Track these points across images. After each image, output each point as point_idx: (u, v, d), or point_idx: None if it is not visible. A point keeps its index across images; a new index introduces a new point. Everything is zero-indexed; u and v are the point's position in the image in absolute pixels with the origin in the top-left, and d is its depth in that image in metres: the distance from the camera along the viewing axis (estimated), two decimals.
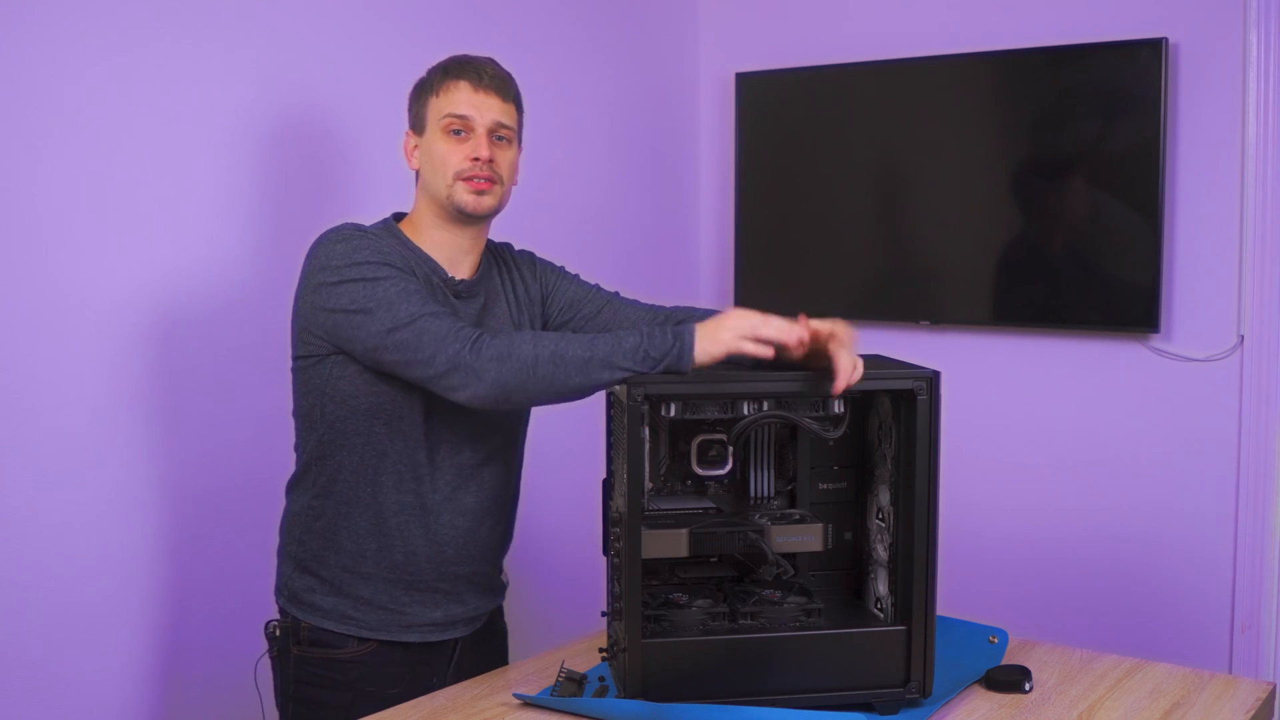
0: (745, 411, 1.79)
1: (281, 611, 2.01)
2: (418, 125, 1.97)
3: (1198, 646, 2.92)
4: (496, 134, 1.94)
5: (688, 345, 1.73)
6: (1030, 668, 1.89)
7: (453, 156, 1.91)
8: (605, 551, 1.87)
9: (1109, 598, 3.05)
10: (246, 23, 2.43)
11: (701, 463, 1.87)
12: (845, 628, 1.81)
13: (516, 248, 2.15)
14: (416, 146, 1.97)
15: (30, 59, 2.11)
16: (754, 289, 3.49)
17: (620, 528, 1.74)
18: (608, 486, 1.85)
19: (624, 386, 1.72)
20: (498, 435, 2.00)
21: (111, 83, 2.22)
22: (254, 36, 2.45)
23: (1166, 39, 2.87)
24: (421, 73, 1.99)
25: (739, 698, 1.71)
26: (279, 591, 2.02)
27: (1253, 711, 1.78)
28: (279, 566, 2.03)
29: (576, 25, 3.20)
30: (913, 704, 1.76)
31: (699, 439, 1.86)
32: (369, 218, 2.01)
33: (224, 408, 2.43)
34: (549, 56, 3.08)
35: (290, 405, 2.00)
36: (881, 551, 1.85)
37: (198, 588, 2.41)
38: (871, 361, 1.85)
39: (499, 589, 2.10)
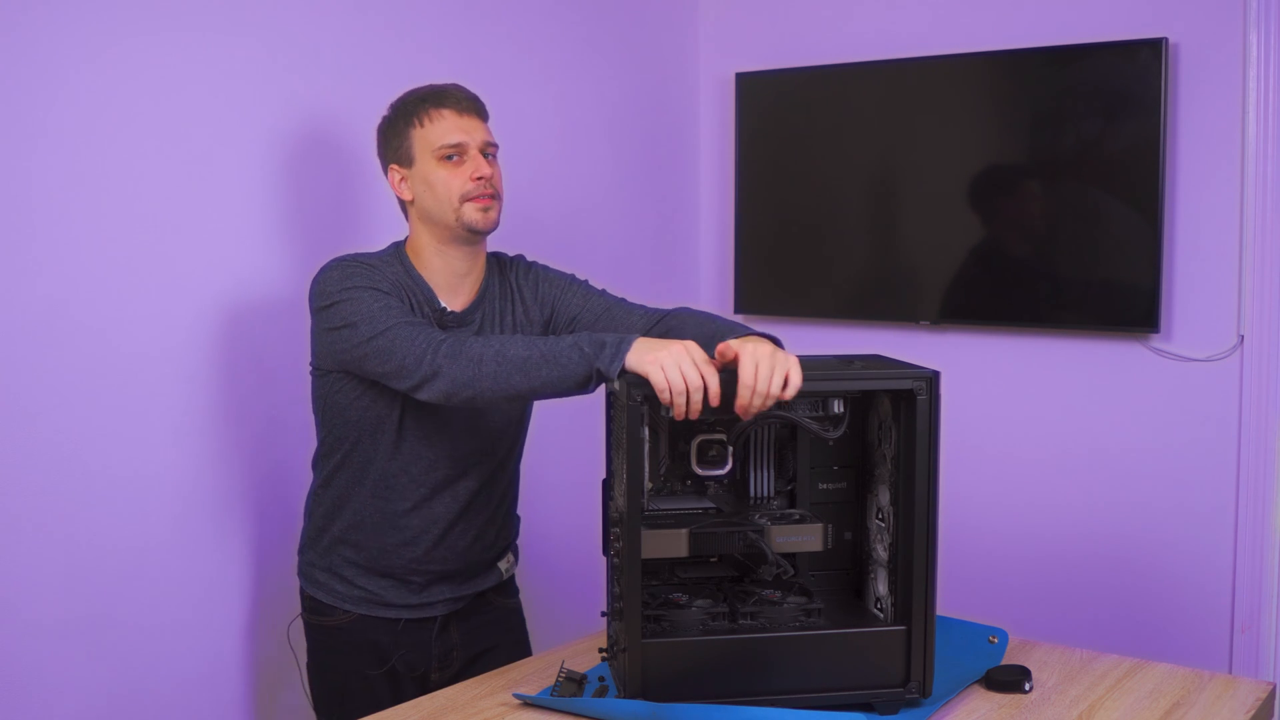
0: None
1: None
2: (403, 159, 2.06)
3: (1198, 646, 2.92)
4: (486, 152, 2.05)
5: (624, 350, 1.73)
6: (1030, 668, 1.89)
7: (455, 180, 2.02)
8: (605, 551, 1.87)
9: (1109, 598, 3.05)
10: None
11: (701, 463, 1.87)
12: (845, 628, 1.81)
13: (528, 258, 2.21)
14: (404, 179, 2.07)
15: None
16: (754, 289, 3.49)
17: (620, 528, 1.74)
18: (608, 486, 1.85)
19: (624, 386, 1.72)
20: (473, 453, 2.12)
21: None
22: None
23: (1166, 39, 2.87)
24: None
25: (739, 698, 1.71)
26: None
27: (1253, 711, 1.78)
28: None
29: (577, 25, 3.20)
30: (913, 704, 1.77)
31: (699, 439, 1.86)
32: (388, 231, 2.13)
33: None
34: (549, 57, 3.08)
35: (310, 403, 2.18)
36: (881, 551, 1.85)
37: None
38: (871, 361, 1.84)
39: (485, 577, 2.20)
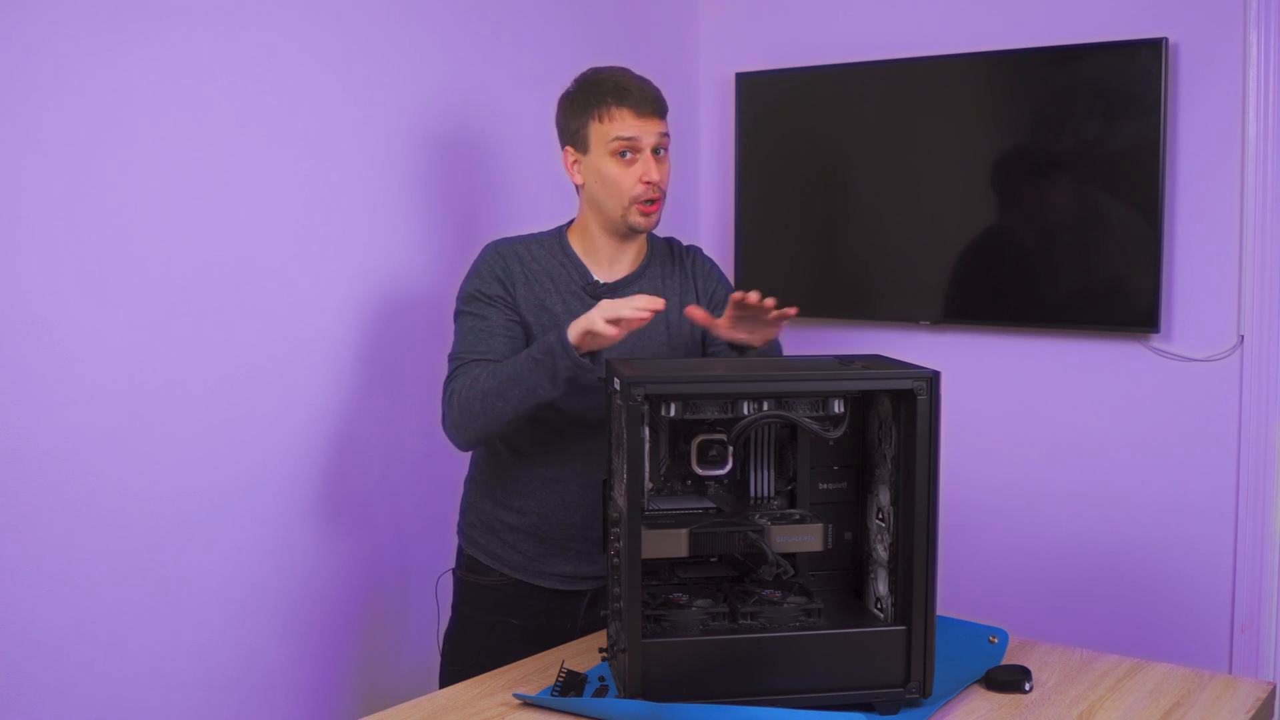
0: (745, 411, 1.80)
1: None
2: (579, 145, 2.17)
3: (1198, 646, 2.92)
4: (659, 147, 2.17)
5: (565, 339, 1.94)
6: (1030, 668, 1.89)
7: (625, 180, 2.13)
8: (605, 551, 1.87)
9: (1109, 598, 3.05)
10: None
11: (701, 463, 1.87)
12: (845, 628, 1.81)
13: (704, 251, 2.40)
14: (577, 162, 2.18)
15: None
16: (754, 288, 3.48)
17: (620, 528, 1.74)
18: (608, 486, 1.85)
19: (624, 386, 1.72)
20: None
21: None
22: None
23: (1166, 39, 2.87)
24: (563, 84, 2.19)
25: (739, 698, 1.71)
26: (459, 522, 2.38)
27: (1253, 711, 1.78)
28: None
29: (577, 25, 3.20)
30: (913, 704, 1.77)
31: (699, 439, 1.86)
32: (522, 221, 2.44)
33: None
34: (549, 57, 3.08)
35: None
36: (881, 551, 1.85)
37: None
38: (871, 361, 1.85)
39: None
